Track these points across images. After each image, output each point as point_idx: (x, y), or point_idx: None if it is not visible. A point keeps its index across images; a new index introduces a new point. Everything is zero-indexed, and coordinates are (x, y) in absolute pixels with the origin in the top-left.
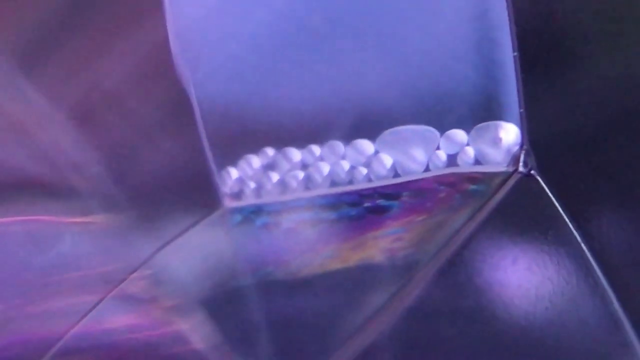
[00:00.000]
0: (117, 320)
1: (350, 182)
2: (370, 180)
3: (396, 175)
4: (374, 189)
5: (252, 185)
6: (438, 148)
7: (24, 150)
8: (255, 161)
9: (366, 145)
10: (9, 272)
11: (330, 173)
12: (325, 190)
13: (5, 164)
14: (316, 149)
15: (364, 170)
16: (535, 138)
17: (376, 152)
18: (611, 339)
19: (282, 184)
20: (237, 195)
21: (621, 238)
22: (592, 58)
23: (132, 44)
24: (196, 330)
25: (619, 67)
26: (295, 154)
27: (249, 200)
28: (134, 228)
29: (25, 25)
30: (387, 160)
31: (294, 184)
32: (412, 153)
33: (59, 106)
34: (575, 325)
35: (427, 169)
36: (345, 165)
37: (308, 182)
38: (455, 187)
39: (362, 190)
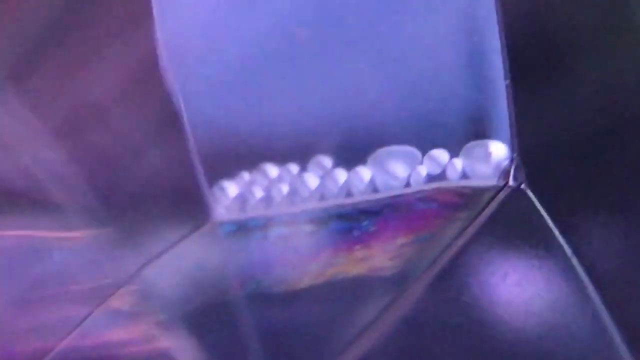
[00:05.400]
0: (104, 335)
1: (329, 196)
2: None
3: (375, 190)
4: (366, 202)
5: (242, 198)
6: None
7: (10, 165)
8: (245, 175)
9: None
10: None
11: (318, 187)
12: (313, 204)
13: None
14: (294, 168)
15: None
16: (525, 152)
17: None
18: (602, 353)
19: (269, 199)
20: (226, 208)
21: (611, 252)
22: (583, 71)
23: (121, 57)
24: (183, 347)
25: (608, 80)
26: (282, 170)
27: (238, 213)
28: (122, 242)
29: (13, 40)
30: (366, 174)
31: (279, 198)
32: (393, 169)
33: (46, 120)
34: (565, 339)
35: (408, 185)
36: (339, 179)
37: (294, 196)
38: (445, 202)
39: (352, 204)
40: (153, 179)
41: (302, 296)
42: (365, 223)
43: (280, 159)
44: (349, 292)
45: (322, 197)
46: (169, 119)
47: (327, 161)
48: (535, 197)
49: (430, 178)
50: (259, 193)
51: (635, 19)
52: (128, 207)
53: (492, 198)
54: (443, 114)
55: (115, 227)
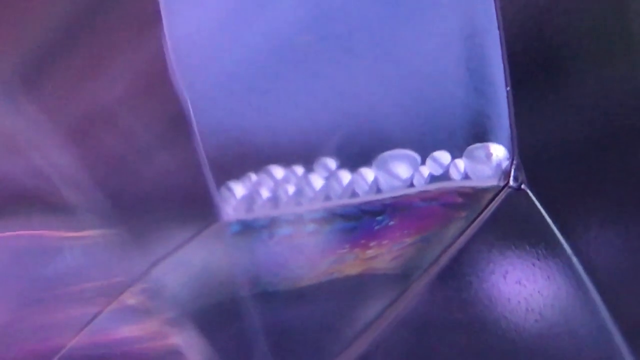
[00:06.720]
0: (115, 333)
1: (334, 197)
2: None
3: (379, 190)
4: (370, 203)
5: (248, 199)
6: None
7: (20, 165)
8: (252, 176)
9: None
10: (8, 285)
11: (323, 188)
12: (318, 204)
13: (2, 179)
14: (300, 169)
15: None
16: (525, 153)
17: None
18: (601, 350)
19: (275, 199)
20: (234, 209)
21: (611, 251)
22: (582, 75)
23: (129, 60)
24: (192, 344)
25: (606, 85)
26: (287, 172)
27: (245, 214)
28: (132, 242)
29: (25, 44)
30: (370, 175)
31: (285, 198)
32: (396, 170)
33: (58, 123)
34: (565, 337)
35: (411, 185)
36: (343, 180)
37: (299, 197)
38: (446, 202)
39: (356, 204)
40: (162, 180)
41: (307, 294)
42: (369, 223)
43: (286, 161)
44: (352, 291)
45: (327, 198)
46: (178, 122)
47: (331, 163)
48: (535, 197)
49: (433, 179)
50: (265, 194)
51: (634, 26)
52: (137, 208)
53: (493, 198)
54: (445, 117)
55: (125, 227)
